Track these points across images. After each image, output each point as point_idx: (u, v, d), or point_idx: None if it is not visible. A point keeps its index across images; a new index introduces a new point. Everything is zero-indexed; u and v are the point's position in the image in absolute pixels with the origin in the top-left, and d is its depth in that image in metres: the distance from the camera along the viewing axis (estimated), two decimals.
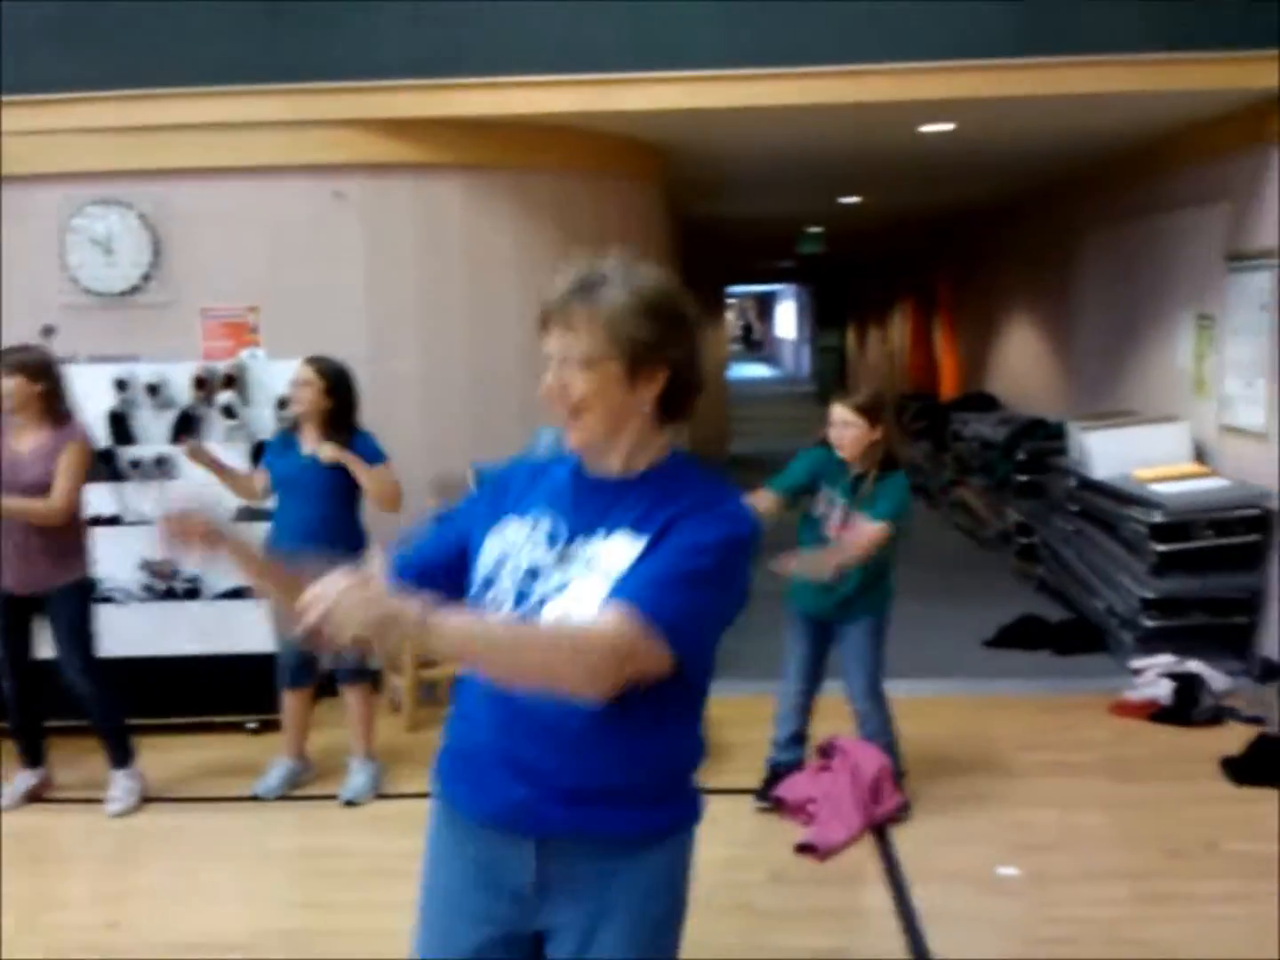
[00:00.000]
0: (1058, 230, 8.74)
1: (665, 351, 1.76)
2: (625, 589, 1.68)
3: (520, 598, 1.77)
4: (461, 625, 1.61)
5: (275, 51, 5.18)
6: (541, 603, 1.75)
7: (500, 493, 1.92)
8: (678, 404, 1.82)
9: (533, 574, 1.78)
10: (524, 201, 5.61)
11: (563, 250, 5.56)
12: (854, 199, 9.66)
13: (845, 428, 3.97)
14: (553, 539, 1.80)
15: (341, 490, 4.23)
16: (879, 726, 4.20)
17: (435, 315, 5.53)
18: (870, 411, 3.98)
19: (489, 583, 1.81)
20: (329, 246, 5.44)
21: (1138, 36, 4.96)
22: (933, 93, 5.09)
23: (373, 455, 4.25)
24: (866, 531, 3.90)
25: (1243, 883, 3.67)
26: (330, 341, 4.64)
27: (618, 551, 1.75)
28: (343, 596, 1.50)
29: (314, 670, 4.42)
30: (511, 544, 1.82)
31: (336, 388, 4.20)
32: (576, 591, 1.74)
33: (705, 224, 10.73)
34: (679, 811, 1.87)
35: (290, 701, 4.46)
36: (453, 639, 1.59)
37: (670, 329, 1.77)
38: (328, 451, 4.17)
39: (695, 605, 1.69)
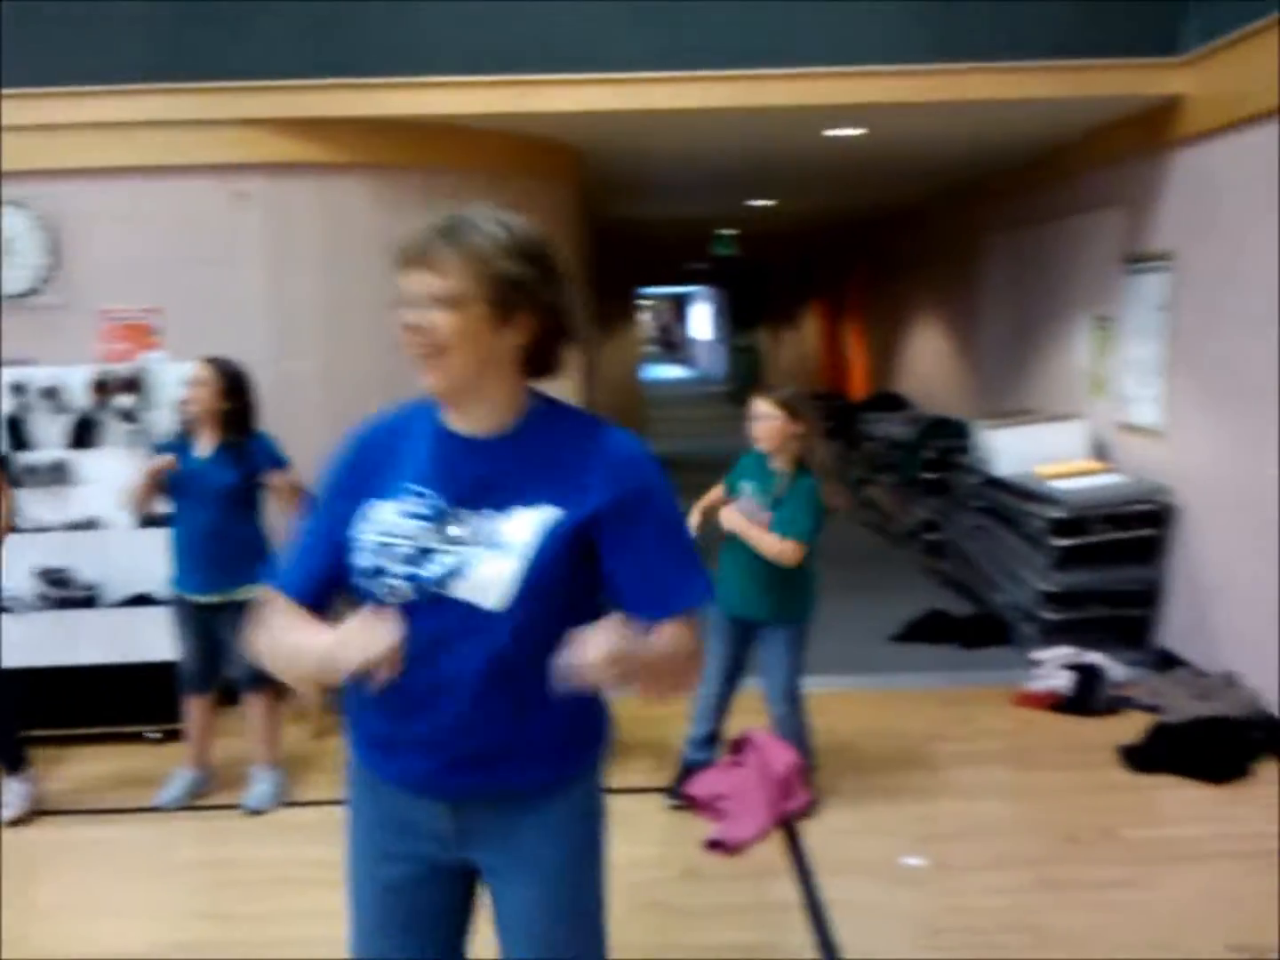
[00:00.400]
0: (963, 234, 8.90)
1: (534, 294, 1.72)
2: (657, 591, 1.75)
3: (413, 580, 1.74)
4: (668, 645, 1.69)
5: (177, 50, 5.07)
6: (440, 584, 1.73)
7: (361, 473, 1.85)
8: (548, 354, 1.79)
9: (421, 555, 1.75)
10: (431, 202, 5.53)
11: None
12: (767, 202, 9.76)
13: (763, 420, 4.02)
14: (432, 515, 1.76)
15: (240, 493, 4.17)
16: (794, 729, 4.23)
17: (340, 316, 5.46)
18: (789, 406, 4.02)
19: (379, 572, 1.77)
20: (232, 247, 5.35)
21: (1039, 44, 5.07)
22: (840, 97, 5.15)
23: (272, 458, 4.20)
24: (776, 541, 3.94)
25: (1139, 869, 3.77)
26: (233, 343, 4.57)
27: (519, 524, 1.74)
28: (615, 650, 1.55)
29: (216, 676, 4.36)
30: (390, 527, 1.77)
31: (233, 388, 4.14)
32: (485, 572, 1.72)
33: (619, 225, 10.76)
34: (580, 757, 1.91)
35: (193, 709, 4.39)
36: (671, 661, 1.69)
37: (538, 271, 1.73)
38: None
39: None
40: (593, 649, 1.54)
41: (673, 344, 40.93)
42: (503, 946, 1.95)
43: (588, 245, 8.43)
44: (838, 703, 5.17)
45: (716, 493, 4.25)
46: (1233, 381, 5.02)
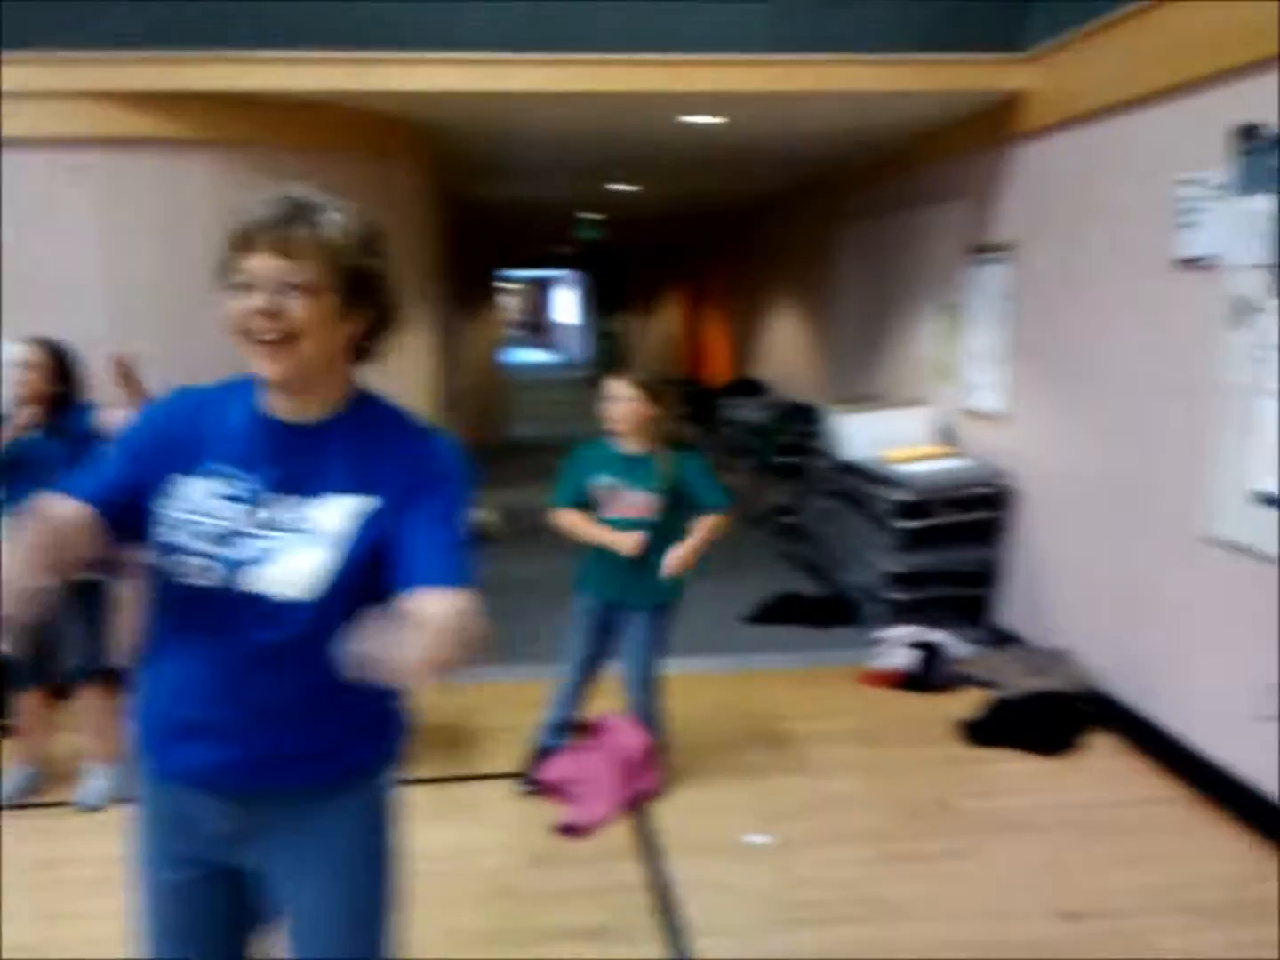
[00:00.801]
0: (819, 224, 9.07)
1: (378, 287, 1.76)
2: (426, 564, 1.66)
3: (219, 561, 1.70)
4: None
5: (7, 18, 4.83)
6: (246, 568, 1.69)
7: (171, 442, 1.79)
8: (374, 344, 1.82)
9: (231, 537, 1.71)
10: (276, 180, 5.38)
11: None
12: (629, 187, 9.77)
13: (620, 402, 4.00)
14: (245, 498, 1.73)
15: (71, 468, 4.01)
16: (648, 713, 4.26)
17: (179, 295, 5.26)
18: (647, 387, 4.02)
19: (175, 549, 1.72)
20: (65, 225, 5.13)
21: (888, 38, 5.16)
22: (689, 85, 5.18)
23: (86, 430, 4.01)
24: (712, 521, 4.07)
25: (973, 839, 3.91)
26: (66, 324, 4.38)
27: (331, 513, 1.72)
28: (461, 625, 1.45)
29: (51, 668, 4.19)
30: (199, 505, 1.73)
31: (59, 369, 4.01)
32: (292, 558, 1.69)
33: (481, 206, 10.65)
34: (373, 752, 1.89)
35: (26, 703, 4.22)
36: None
37: (382, 264, 1.78)
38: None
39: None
40: (437, 628, 1.43)
41: (537, 328, 40.76)
42: (293, 948, 1.91)
43: (445, 226, 8.33)
44: (691, 684, 5.21)
45: (579, 516, 4.08)
46: (1068, 369, 5.22)
